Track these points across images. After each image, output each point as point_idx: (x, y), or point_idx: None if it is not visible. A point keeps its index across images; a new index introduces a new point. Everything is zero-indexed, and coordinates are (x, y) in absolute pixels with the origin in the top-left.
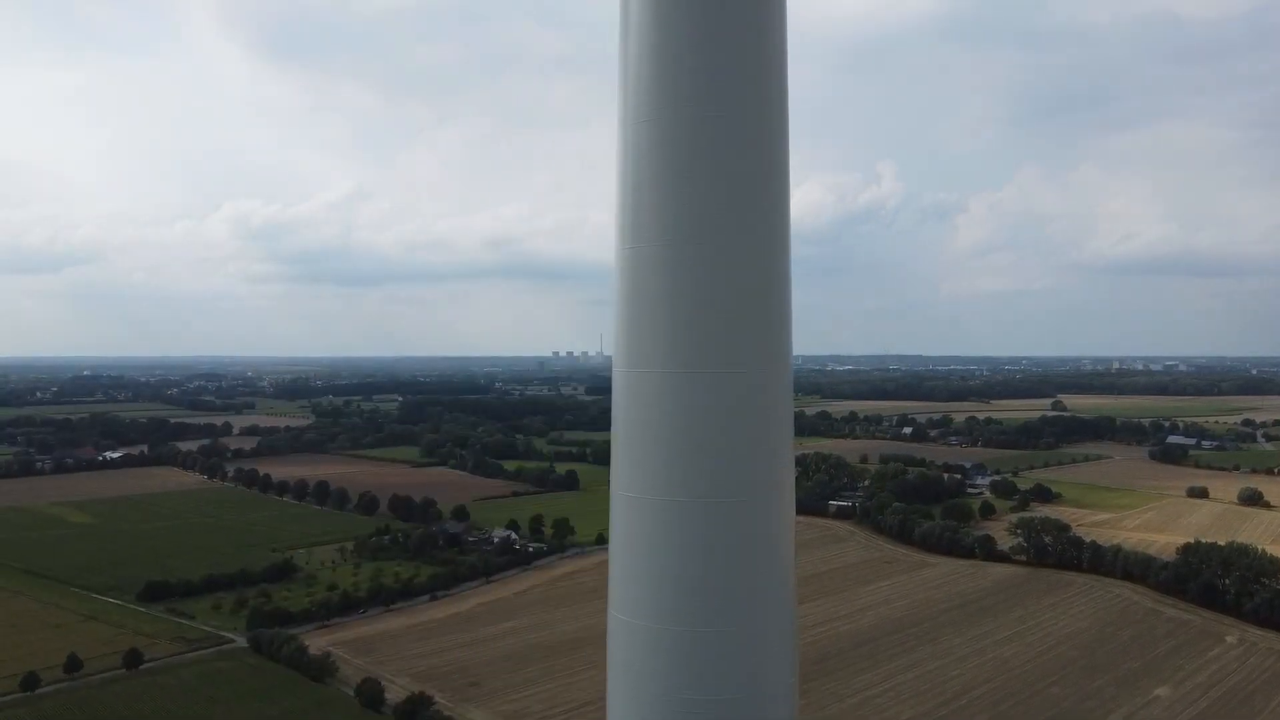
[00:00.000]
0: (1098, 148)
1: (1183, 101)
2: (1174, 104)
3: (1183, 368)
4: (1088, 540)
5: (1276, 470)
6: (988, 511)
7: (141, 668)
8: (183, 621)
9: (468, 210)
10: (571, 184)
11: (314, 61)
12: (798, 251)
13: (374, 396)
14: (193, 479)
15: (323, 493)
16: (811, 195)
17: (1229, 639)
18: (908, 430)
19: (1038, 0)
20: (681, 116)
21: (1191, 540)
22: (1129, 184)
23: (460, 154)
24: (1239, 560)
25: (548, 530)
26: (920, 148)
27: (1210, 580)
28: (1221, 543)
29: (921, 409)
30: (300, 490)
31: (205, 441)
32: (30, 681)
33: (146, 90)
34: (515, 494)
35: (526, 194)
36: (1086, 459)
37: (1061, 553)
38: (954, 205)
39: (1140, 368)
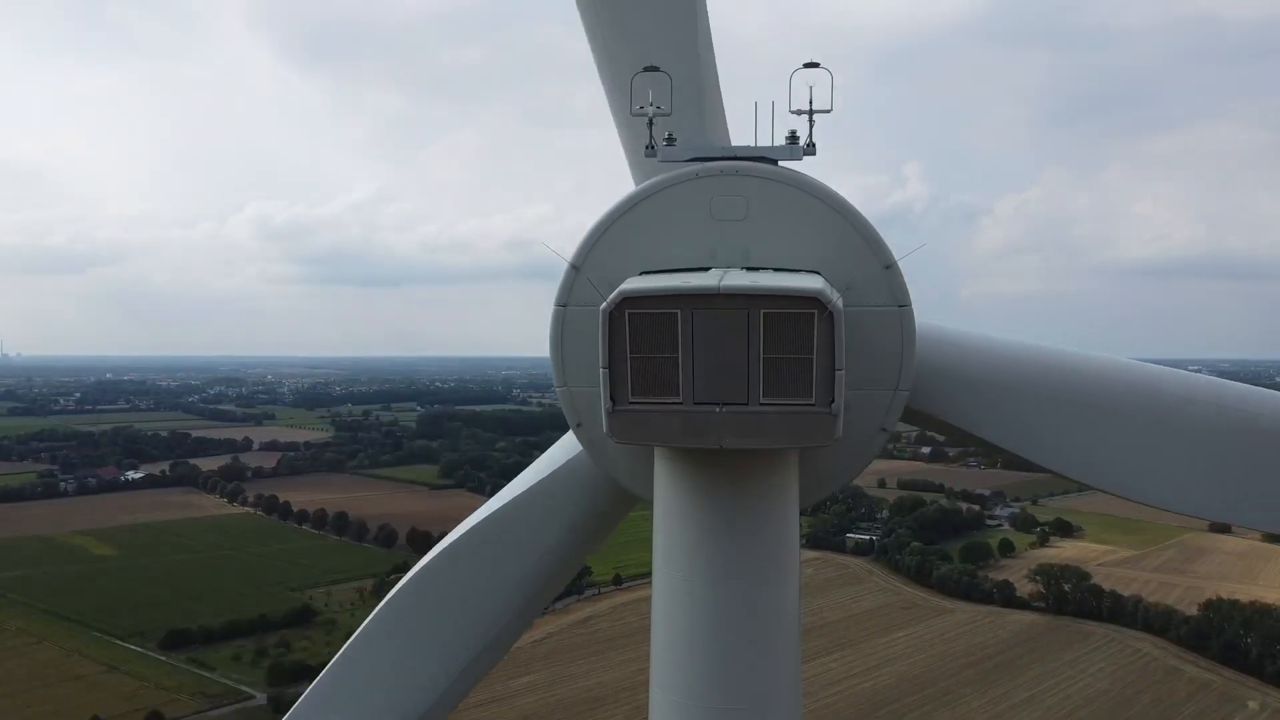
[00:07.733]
0: (1127, 150)
1: (1215, 103)
2: (1206, 106)
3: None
4: (1108, 590)
5: None
6: (1007, 549)
7: None
8: (204, 674)
9: (488, 211)
10: (594, 185)
11: (341, 64)
12: None
13: (392, 405)
14: (213, 503)
15: (341, 523)
16: None
17: (1251, 704)
18: (927, 450)
19: (1073, 2)
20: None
21: (1214, 596)
22: (1158, 186)
23: (483, 156)
24: (1261, 622)
25: None
26: (947, 149)
27: (1232, 639)
28: (1243, 597)
29: None
30: (319, 519)
31: (226, 459)
32: None
33: (173, 92)
34: None
35: (548, 195)
36: None
37: (1081, 601)
38: (980, 207)
39: None
